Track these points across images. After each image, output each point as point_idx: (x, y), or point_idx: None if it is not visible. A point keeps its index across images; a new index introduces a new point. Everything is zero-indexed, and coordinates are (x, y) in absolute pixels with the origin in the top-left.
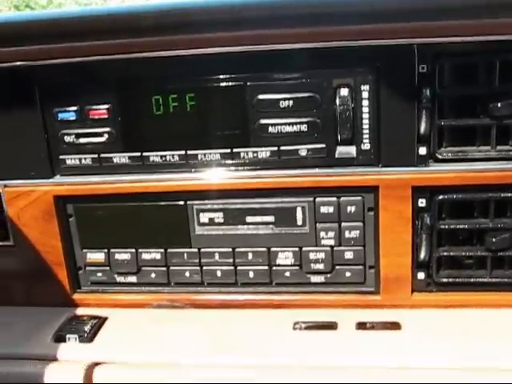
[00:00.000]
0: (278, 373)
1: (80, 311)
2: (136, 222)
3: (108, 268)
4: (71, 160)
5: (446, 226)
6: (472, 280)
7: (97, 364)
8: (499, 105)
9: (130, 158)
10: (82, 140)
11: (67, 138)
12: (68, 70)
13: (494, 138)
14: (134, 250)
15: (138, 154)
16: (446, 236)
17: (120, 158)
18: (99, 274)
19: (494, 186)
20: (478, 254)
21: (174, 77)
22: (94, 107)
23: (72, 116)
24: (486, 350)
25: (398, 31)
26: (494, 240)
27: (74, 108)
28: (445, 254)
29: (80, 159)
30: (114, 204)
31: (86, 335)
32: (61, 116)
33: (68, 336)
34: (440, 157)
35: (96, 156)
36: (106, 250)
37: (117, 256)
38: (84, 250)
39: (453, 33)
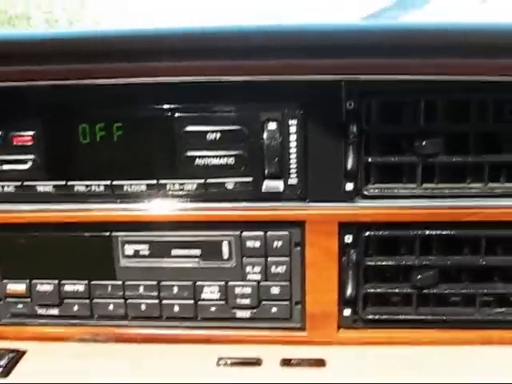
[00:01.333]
0: None
1: None
2: (59, 253)
3: (29, 299)
4: None
5: (373, 263)
6: (398, 317)
7: None
8: (424, 143)
9: (54, 186)
10: (5, 167)
11: None
12: None
13: (420, 176)
14: (56, 282)
15: (63, 182)
16: (373, 272)
17: (44, 186)
18: (20, 306)
19: (420, 223)
20: (403, 291)
21: (101, 105)
22: (18, 133)
23: None
24: None
25: (325, 67)
26: (419, 277)
27: None
28: (371, 290)
29: (2, 186)
30: (37, 233)
31: (1, 369)
32: None
33: None
34: (367, 193)
35: (19, 183)
36: (27, 281)
37: (38, 287)
38: (4, 281)
39: (379, 71)
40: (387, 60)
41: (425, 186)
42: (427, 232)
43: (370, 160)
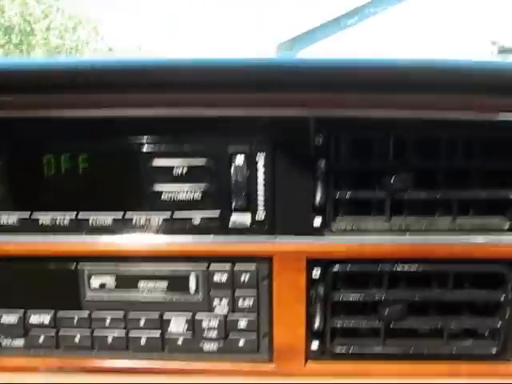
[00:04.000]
0: None
1: None
2: (25, 284)
3: None
4: None
5: (340, 298)
6: (365, 350)
7: None
8: (393, 179)
9: (18, 218)
10: None
11: None
12: None
13: (389, 211)
14: (21, 313)
15: (28, 214)
16: (341, 306)
17: (8, 217)
18: None
19: (388, 259)
20: (371, 324)
21: (67, 137)
22: None
23: None
24: None
25: (293, 102)
26: (386, 311)
27: None
28: (339, 324)
29: None
30: (2, 264)
31: None
32: None
33: None
34: (335, 228)
35: None
36: None
37: (3, 318)
38: None
39: (348, 106)
40: (355, 95)
41: (393, 220)
42: (395, 267)
43: (338, 195)
